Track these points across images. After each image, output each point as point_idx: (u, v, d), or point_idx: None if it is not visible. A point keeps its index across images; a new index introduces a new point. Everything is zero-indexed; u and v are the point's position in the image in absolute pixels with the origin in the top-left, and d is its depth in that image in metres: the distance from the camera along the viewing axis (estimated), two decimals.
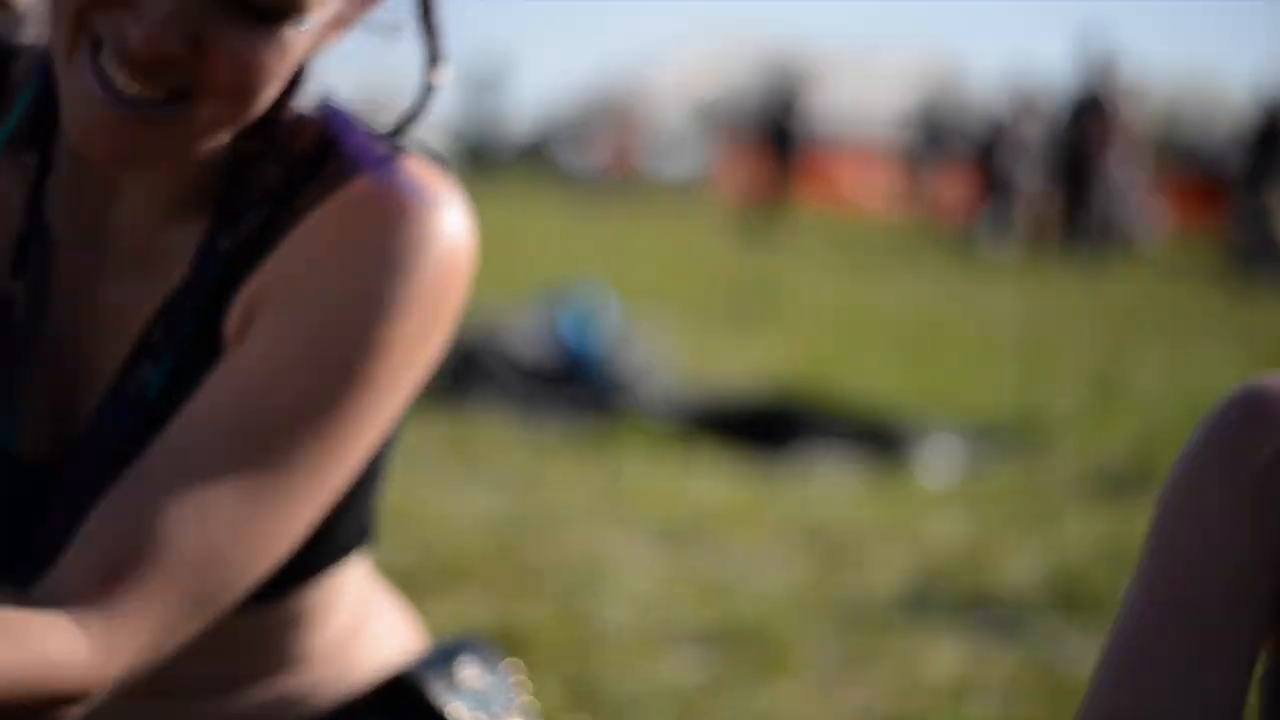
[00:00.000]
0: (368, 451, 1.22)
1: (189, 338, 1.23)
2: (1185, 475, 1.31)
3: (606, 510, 4.13)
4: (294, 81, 1.20)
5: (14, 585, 1.20)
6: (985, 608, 3.46)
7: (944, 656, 3.08)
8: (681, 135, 29.84)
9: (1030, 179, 19.84)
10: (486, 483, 4.34)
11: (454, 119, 26.68)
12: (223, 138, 1.17)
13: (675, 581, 3.54)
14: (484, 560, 3.52)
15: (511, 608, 3.19)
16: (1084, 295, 12.39)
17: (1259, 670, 1.31)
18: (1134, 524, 3.80)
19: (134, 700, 1.21)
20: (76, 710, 1.12)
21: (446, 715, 1.36)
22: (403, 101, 1.21)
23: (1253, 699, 1.27)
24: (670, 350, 6.48)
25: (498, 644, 1.52)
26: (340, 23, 1.17)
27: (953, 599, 3.52)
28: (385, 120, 1.23)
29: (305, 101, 1.22)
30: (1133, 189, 18.80)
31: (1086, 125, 17.65)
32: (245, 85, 1.11)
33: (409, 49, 1.20)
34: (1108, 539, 3.98)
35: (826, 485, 4.62)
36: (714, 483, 4.50)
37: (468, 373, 5.41)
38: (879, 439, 5.16)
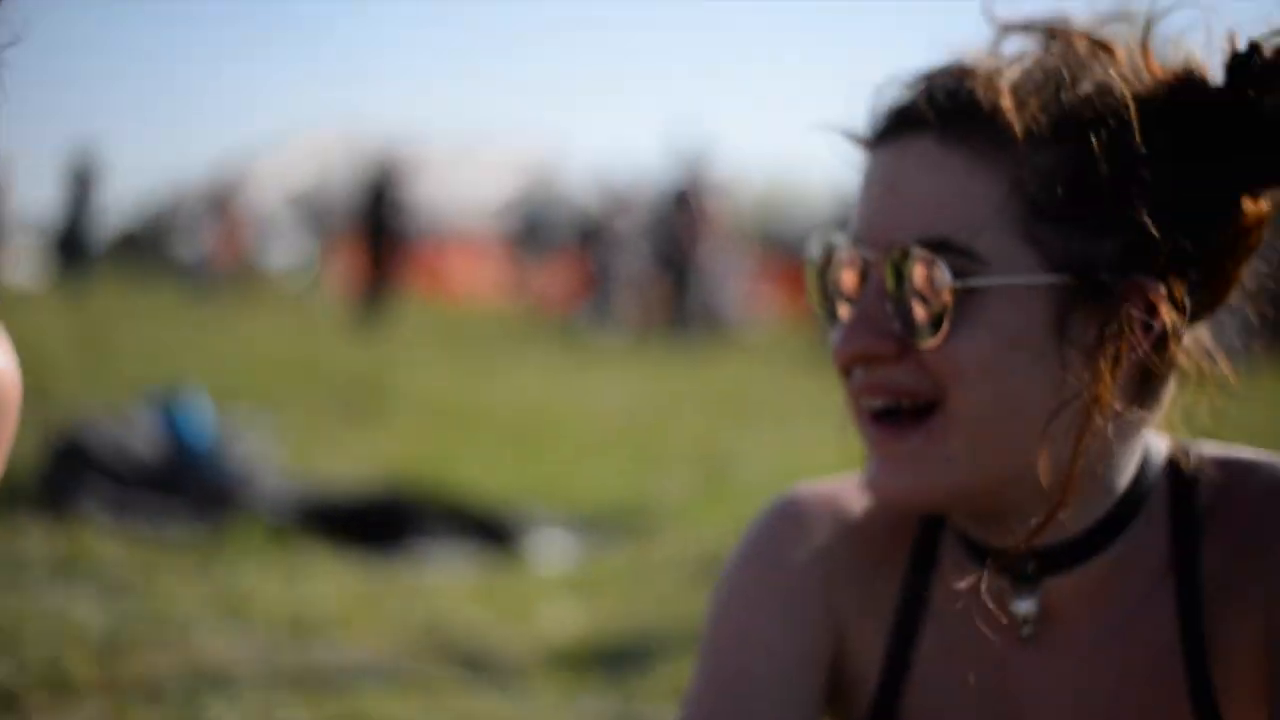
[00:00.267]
0: None
1: None
2: (732, 579, 1.43)
3: (221, 613, 4.05)
4: None
5: None
6: (598, 691, 3.56)
7: None
8: (286, 227, 29.53)
9: (631, 268, 20.45)
10: (93, 591, 4.20)
11: (49, 215, 25.72)
12: None
13: (293, 682, 3.51)
14: (94, 672, 3.41)
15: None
16: (688, 381, 12.79)
17: None
18: None
19: None
20: None
21: None
22: None
23: None
24: (281, 447, 6.41)
25: None
26: None
27: (567, 681, 3.61)
28: None
29: None
30: (730, 277, 19.58)
31: (679, 217, 18.35)
32: None
33: None
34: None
35: (441, 578, 4.66)
36: (329, 581, 4.47)
37: (69, 477, 5.22)
38: (491, 531, 5.23)
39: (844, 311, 1.32)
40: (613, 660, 3.77)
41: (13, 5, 1.06)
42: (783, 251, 25.23)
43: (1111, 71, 1.30)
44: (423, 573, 4.72)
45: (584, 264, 21.29)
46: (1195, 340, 1.35)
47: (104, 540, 4.83)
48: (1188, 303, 1.27)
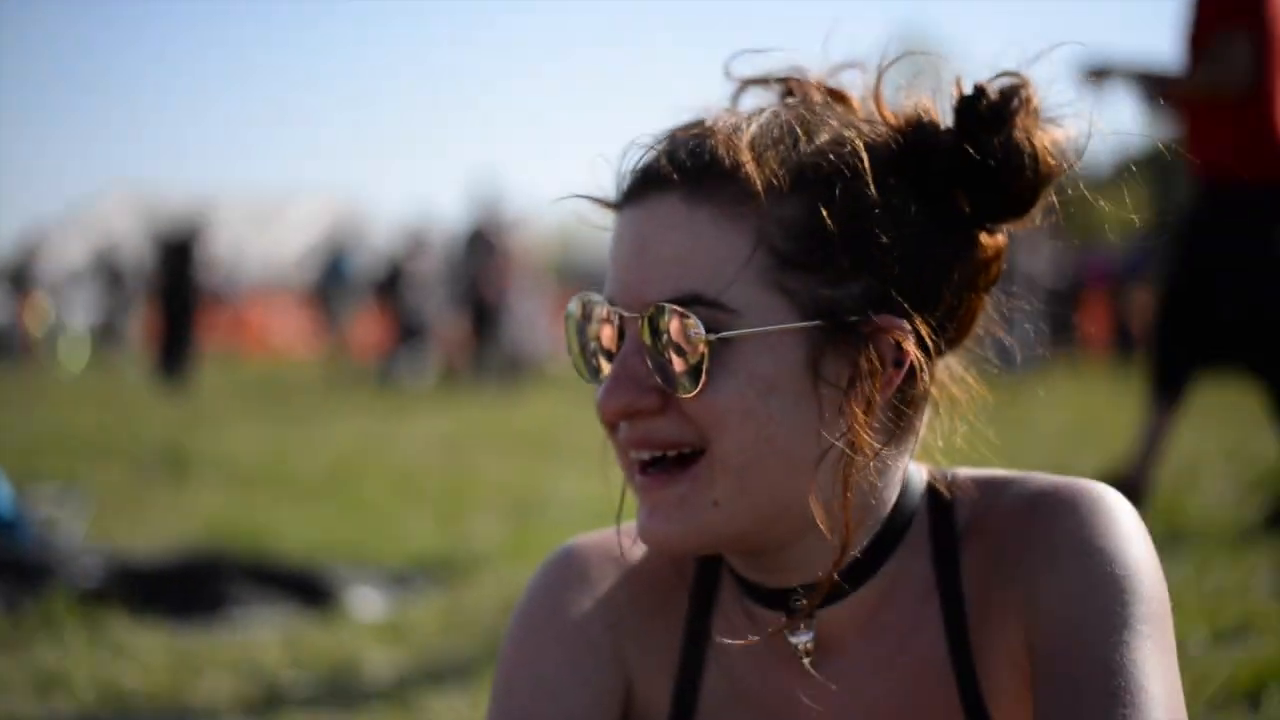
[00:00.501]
0: None
1: None
2: (519, 629, 1.46)
3: (30, 688, 3.97)
4: None
5: None
6: None
7: None
8: (85, 292, 28.84)
9: (436, 313, 20.39)
10: None
11: None
12: None
13: None
14: None
15: None
16: (495, 423, 12.79)
17: None
18: None
19: None
20: None
21: None
22: None
23: None
24: (83, 521, 6.29)
25: None
26: None
27: None
28: None
29: None
30: (533, 315, 19.61)
31: (475, 257, 18.35)
32: None
33: None
34: None
35: (258, 637, 4.62)
36: (140, 651, 4.41)
37: None
38: (306, 590, 5.19)
39: (605, 367, 1.36)
40: (429, 703, 3.79)
41: None
42: (581, 286, 25.31)
43: (846, 121, 1.35)
44: (236, 636, 4.68)
45: (390, 310, 21.17)
46: (947, 370, 1.41)
47: None
48: (934, 337, 1.32)
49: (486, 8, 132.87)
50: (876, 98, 1.41)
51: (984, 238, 1.38)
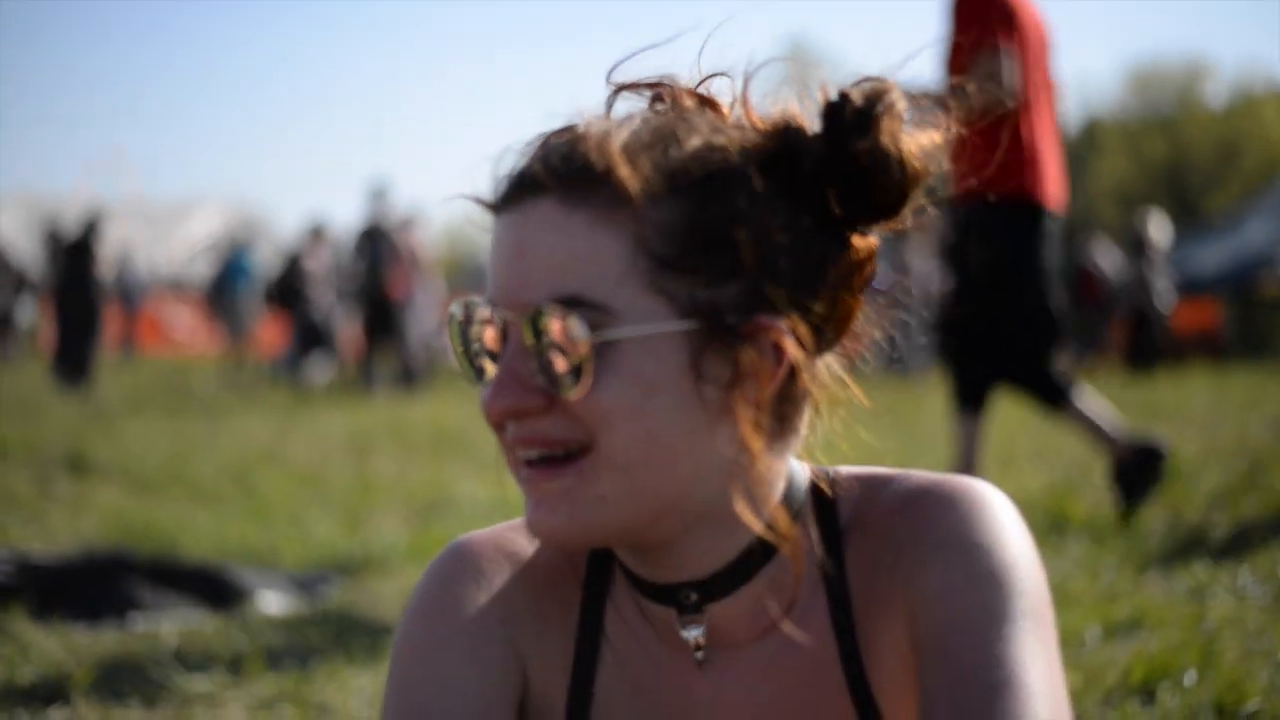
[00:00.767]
0: None
1: None
2: (413, 626, 1.46)
3: None
4: None
5: None
6: None
7: None
8: None
9: (334, 307, 20.23)
10: None
11: None
12: None
13: None
14: None
15: None
16: (395, 419, 12.75)
17: None
18: None
19: None
20: None
21: None
22: None
23: None
24: None
25: None
26: None
27: None
28: None
29: None
30: (429, 309, 19.50)
31: (373, 252, 18.23)
32: None
33: None
34: None
35: (159, 635, 4.60)
36: (48, 647, 4.37)
37: None
38: (209, 587, 5.17)
39: (489, 369, 1.38)
40: (330, 701, 3.79)
41: None
42: (473, 281, 25.22)
43: (716, 126, 1.37)
44: (137, 634, 4.65)
45: (283, 308, 20.98)
46: (827, 369, 1.43)
47: None
48: (812, 337, 1.36)
49: (377, 16, 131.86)
50: (745, 104, 1.43)
51: (856, 239, 1.40)
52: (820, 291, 1.37)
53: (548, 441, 1.33)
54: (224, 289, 23.71)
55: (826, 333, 1.40)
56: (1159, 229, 21.22)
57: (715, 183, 1.32)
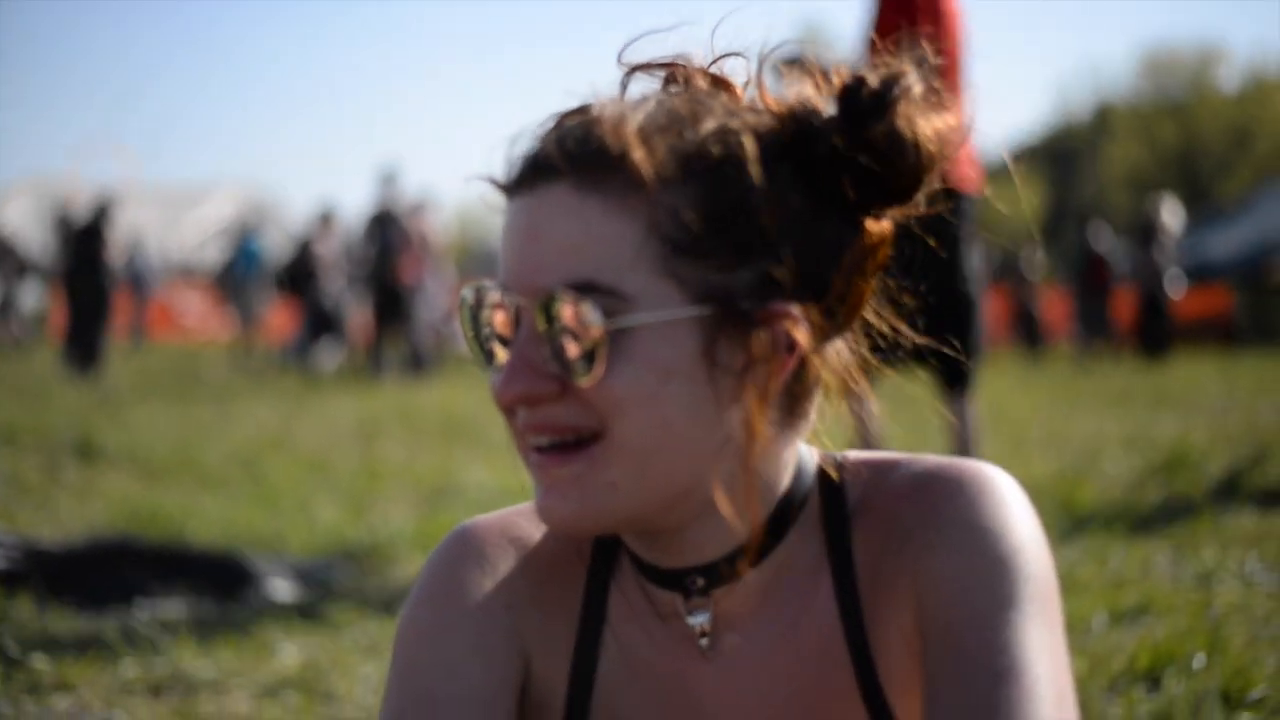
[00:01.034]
0: None
1: None
2: (418, 610, 1.46)
3: None
4: None
5: None
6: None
7: None
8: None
9: (344, 293, 20.22)
10: None
11: None
12: None
13: None
14: None
15: None
16: (407, 408, 12.75)
17: None
18: None
19: None
20: None
21: None
22: None
23: None
24: None
25: None
26: None
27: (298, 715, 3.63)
28: None
29: None
30: (440, 294, 19.48)
31: (383, 237, 18.20)
32: None
33: None
34: None
35: (167, 622, 4.60)
36: (56, 633, 4.38)
37: None
38: (217, 574, 5.18)
39: (500, 354, 1.36)
40: (337, 688, 3.80)
41: None
42: (484, 267, 25.23)
43: (730, 109, 1.36)
44: (145, 621, 4.65)
45: (293, 294, 20.98)
46: (836, 355, 1.42)
47: None
48: (825, 323, 1.34)
49: (390, 6, 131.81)
50: (759, 86, 1.42)
51: (870, 223, 1.39)
52: (834, 277, 1.36)
53: (559, 428, 1.32)
54: (234, 275, 23.73)
55: (839, 317, 1.38)
56: (1171, 214, 21.18)
57: (730, 167, 1.31)
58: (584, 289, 1.28)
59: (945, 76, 5.88)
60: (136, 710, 3.69)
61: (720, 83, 1.43)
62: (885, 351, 1.48)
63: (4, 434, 9.62)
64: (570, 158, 1.30)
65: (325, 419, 11.56)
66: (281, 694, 3.80)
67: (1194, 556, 4.95)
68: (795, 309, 1.32)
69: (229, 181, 47.18)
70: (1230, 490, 6.39)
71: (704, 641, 1.42)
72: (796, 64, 1.43)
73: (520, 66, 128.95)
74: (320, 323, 20.11)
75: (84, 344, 17.63)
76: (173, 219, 40.39)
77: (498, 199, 1.37)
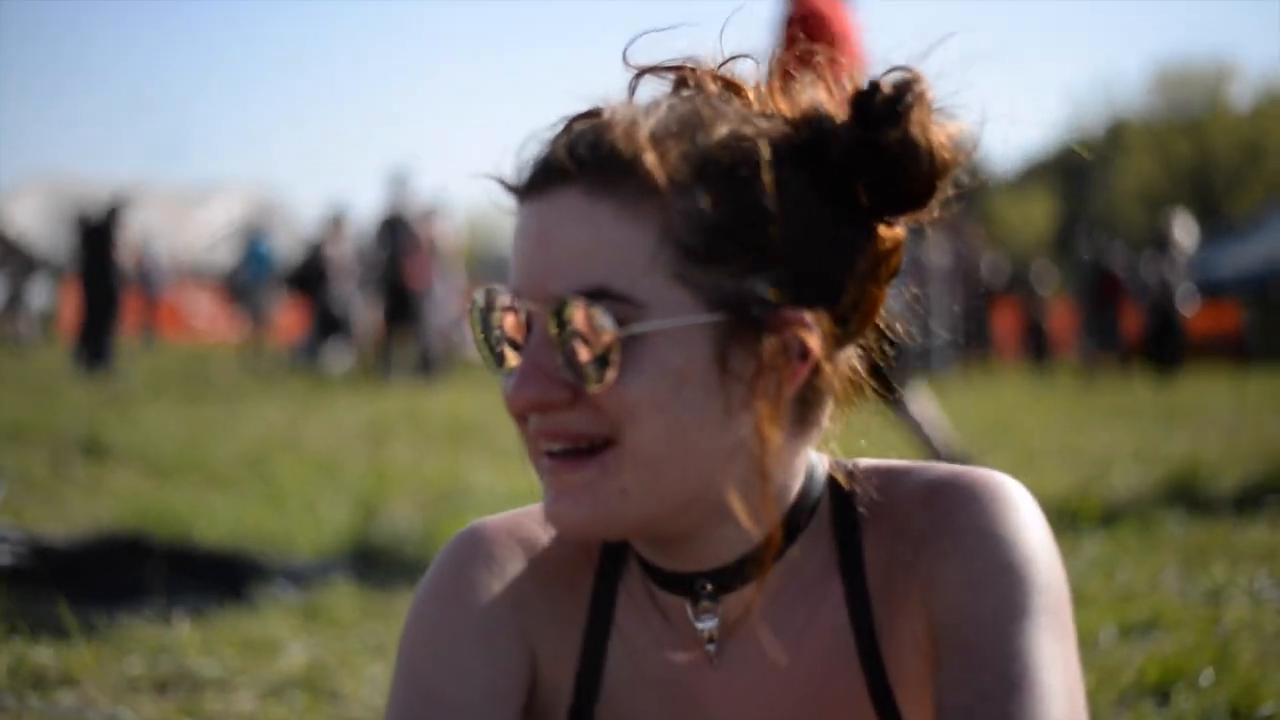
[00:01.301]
0: None
1: None
2: (423, 609, 1.45)
3: None
4: None
5: None
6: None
7: None
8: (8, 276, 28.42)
9: (354, 296, 20.23)
10: None
11: None
12: None
13: None
14: None
15: None
16: (413, 408, 12.74)
17: None
18: None
19: None
20: None
21: None
22: None
23: None
24: (0, 501, 6.23)
25: None
26: None
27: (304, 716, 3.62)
28: None
29: None
30: (450, 298, 19.49)
31: (390, 242, 18.21)
32: None
33: None
34: None
35: (174, 620, 4.60)
36: (63, 630, 4.37)
37: None
38: (224, 573, 5.18)
39: (511, 359, 1.36)
40: (343, 688, 3.79)
41: None
42: (494, 272, 25.26)
43: (743, 114, 1.35)
44: (152, 619, 4.65)
45: (302, 296, 21.00)
46: (847, 362, 1.41)
47: None
48: (837, 330, 1.33)
49: (401, 6, 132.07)
50: (772, 90, 1.41)
51: (883, 230, 1.38)
52: (847, 283, 1.35)
53: (571, 435, 1.31)
54: (244, 276, 23.74)
55: (851, 324, 1.37)
56: (1184, 229, 21.15)
57: (743, 172, 1.29)
58: (596, 295, 1.26)
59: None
60: (142, 707, 3.68)
61: (731, 86, 1.41)
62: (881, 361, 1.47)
63: (12, 431, 9.63)
64: (581, 162, 1.29)
65: (333, 421, 11.55)
66: (287, 693, 3.80)
67: (1203, 572, 4.94)
68: (808, 316, 1.31)
69: (237, 182, 47.29)
70: (1241, 506, 6.37)
71: (711, 646, 1.42)
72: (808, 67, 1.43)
73: (532, 69, 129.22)
74: (329, 325, 20.11)
75: (94, 342, 17.63)
76: (181, 220, 40.49)
77: (509, 203, 1.36)
